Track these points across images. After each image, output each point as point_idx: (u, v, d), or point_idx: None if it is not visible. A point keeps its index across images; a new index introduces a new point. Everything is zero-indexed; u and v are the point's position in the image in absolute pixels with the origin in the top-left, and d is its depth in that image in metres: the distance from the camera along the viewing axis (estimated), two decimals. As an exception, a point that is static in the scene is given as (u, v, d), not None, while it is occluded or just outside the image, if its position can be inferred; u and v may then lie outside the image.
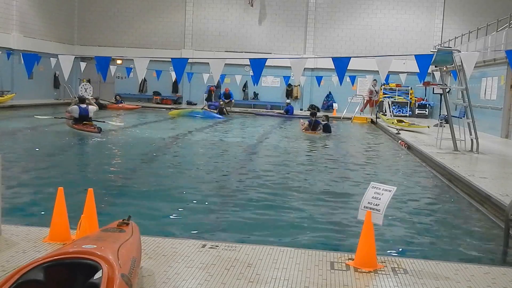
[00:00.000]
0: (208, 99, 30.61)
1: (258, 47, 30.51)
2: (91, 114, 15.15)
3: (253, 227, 6.45)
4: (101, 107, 23.74)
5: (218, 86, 30.40)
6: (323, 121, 18.84)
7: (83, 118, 15.01)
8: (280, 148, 14.62)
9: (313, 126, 17.70)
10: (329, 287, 3.96)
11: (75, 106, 15.37)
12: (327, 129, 18.08)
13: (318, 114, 21.84)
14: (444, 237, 6.54)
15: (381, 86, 28.78)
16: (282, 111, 27.83)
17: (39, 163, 10.62)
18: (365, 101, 28.31)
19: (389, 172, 11.20)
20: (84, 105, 15.26)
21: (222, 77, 25.86)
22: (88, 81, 30.30)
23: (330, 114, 22.89)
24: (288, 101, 28.78)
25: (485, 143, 14.43)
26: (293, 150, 14.34)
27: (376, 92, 27.95)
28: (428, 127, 19.20)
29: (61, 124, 16.43)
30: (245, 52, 28.81)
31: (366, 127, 23.40)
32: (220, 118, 23.27)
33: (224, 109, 26.42)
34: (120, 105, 27.46)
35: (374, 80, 27.15)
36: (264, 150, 14.05)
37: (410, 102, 28.57)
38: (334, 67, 10.04)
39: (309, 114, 19.58)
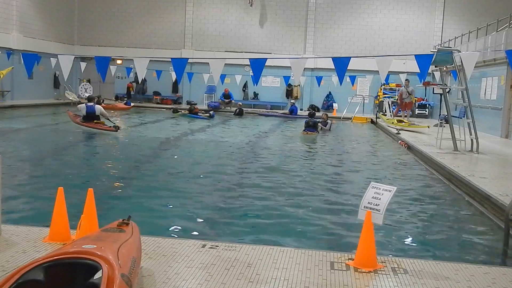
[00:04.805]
0: (128, 96, 30.70)
1: (258, 47, 30.51)
2: (98, 113, 15.48)
3: (253, 227, 6.45)
4: None
5: (137, 82, 30.43)
6: (323, 119, 19.00)
7: (90, 116, 15.41)
8: (281, 148, 14.61)
9: (311, 126, 17.74)
10: (329, 287, 3.96)
11: (83, 104, 15.87)
12: (324, 125, 18.81)
13: (318, 114, 21.90)
14: (444, 237, 6.53)
15: (381, 86, 28.79)
16: (286, 111, 27.86)
17: (40, 163, 10.62)
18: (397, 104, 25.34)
19: (389, 172, 11.19)
20: (91, 104, 15.66)
21: (222, 77, 25.85)
22: (88, 81, 30.36)
23: (330, 114, 22.91)
24: (292, 101, 28.76)
25: (485, 143, 14.43)
26: (293, 150, 14.33)
27: (409, 94, 22.95)
28: (428, 127, 19.19)
29: (65, 124, 16.49)
30: (245, 52, 28.82)
31: (366, 127, 23.40)
32: (204, 118, 23.21)
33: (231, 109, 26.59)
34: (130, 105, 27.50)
35: (406, 80, 22.71)
36: (264, 150, 14.04)
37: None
38: (334, 67, 10.04)
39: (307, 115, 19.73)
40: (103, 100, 26.01)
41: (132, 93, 31.38)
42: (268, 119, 25.29)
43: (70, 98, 27.19)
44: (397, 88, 28.43)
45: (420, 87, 21.22)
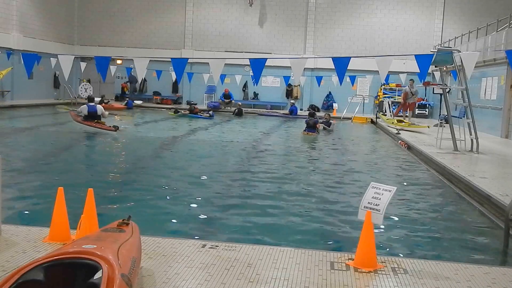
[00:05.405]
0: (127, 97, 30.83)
1: (258, 47, 30.51)
2: (99, 112, 15.59)
3: (253, 227, 6.44)
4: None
5: (131, 82, 30.47)
6: (325, 119, 19.02)
7: (92, 116, 15.54)
8: (281, 148, 14.61)
9: (311, 126, 17.72)
10: (329, 287, 3.96)
11: (84, 105, 15.99)
12: (327, 125, 18.90)
13: (319, 114, 21.90)
14: (444, 237, 6.53)
15: (381, 86, 28.78)
16: (286, 111, 27.86)
17: (40, 163, 10.62)
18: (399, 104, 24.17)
19: (389, 172, 11.20)
20: (92, 104, 15.87)
21: (222, 77, 25.83)
22: (88, 81, 30.36)
23: (330, 114, 22.92)
24: (292, 101, 28.77)
25: (485, 143, 14.42)
26: (293, 151, 14.34)
27: (413, 94, 21.75)
28: (428, 127, 19.19)
29: (65, 124, 16.50)
30: (245, 52, 28.80)
31: (366, 127, 23.40)
32: (207, 118, 23.21)
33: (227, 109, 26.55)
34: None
35: (411, 80, 21.71)
36: (265, 150, 14.04)
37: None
38: (334, 67, 10.03)
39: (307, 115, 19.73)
40: (108, 101, 26.12)
41: (127, 93, 31.37)
42: (268, 119, 25.28)
43: (62, 110, 27.13)
44: (397, 88, 28.46)
45: (420, 87, 21.22)
